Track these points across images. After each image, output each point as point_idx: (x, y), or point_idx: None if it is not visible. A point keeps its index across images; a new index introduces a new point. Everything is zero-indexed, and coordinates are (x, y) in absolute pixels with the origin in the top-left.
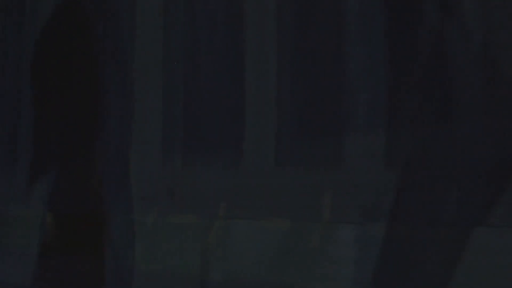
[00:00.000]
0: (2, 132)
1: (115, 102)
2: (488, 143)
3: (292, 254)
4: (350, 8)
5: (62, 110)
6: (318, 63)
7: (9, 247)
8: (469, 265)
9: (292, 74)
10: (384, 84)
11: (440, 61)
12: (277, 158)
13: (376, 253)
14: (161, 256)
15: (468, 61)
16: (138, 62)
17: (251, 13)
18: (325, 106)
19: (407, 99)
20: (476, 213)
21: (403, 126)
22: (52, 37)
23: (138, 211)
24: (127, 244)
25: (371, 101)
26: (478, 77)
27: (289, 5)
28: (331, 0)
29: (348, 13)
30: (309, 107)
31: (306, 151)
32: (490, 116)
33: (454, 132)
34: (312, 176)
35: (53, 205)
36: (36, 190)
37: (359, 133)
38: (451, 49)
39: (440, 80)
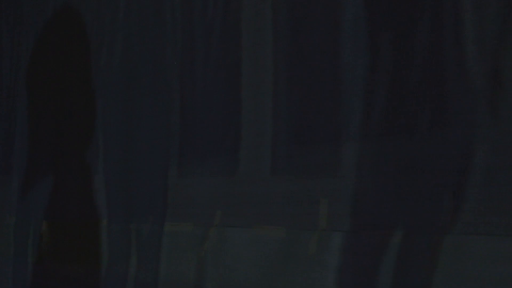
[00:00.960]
0: None
1: (112, 111)
2: (484, 151)
3: (288, 262)
4: (345, 17)
5: (58, 118)
6: (314, 71)
7: (5, 255)
8: (461, 273)
9: (288, 83)
10: (380, 91)
11: (435, 69)
12: (272, 166)
13: (371, 261)
14: (156, 264)
15: (463, 70)
16: (134, 72)
17: (247, 22)
18: (320, 114)
19: (402, 106)
20: (470, 221)
21: (398, 134)
22: (47, 46)
23: (134, 219)
24: (122, 252)
25: (366, 109)
26: (473, 86)
27: (285, 14)
28: (327, 8)
29: (343, 22)
30: (304, 115)
31: (301, 159)
32: (486, 123)
33: (448, 140)
34: (308, 184)
35: (48, 213)
36: (32, 198)
37: (354, 141)
38: (446, 57)
39: (435, 88)
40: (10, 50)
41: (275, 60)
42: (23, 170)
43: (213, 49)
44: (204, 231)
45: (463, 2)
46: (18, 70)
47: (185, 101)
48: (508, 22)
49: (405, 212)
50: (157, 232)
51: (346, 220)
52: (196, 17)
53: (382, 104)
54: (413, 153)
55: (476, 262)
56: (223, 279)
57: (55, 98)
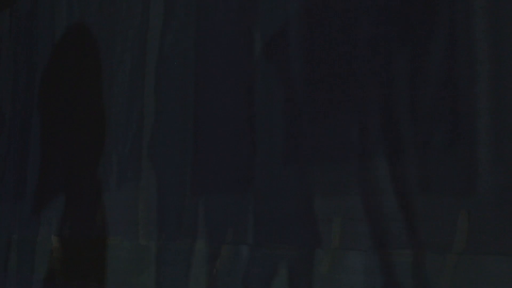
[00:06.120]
0: (11, 158)
1: (124, 129)
2: (497, 170)
3: (301, 280)
4: (361, 36)
5: (69, 138)
6: (327, 89)
7: (16, 271)
8: None
9: (301, 102)
10: (394, 110)
11: (448, 90)
12: (285, 184)
13: (384, 280)
14: (168, 282)
15: (475, 91)
16: (150, 90)
17: (263, 43)
18: (333, 132)
19: (416, 125)
20: (487, 241)
21: (411, 153)
22: (60, 66)
23: (145, 235)
24: (133, 269)
25: (380, 127)
26: (486, 106)
27: (299, 39)
28: (342, 29)
29: (359, 41)
30: (317, 133)
31: (314, 177)
32: (499, 142)
33: (462, 159)
34: (321, 203)
35: (59, 230)
36: (43, 215)
37: (367, 160)
38: (459, 79)
39: (449, 107)
40: (25, 71)
41: (288, 79)
42: (36, 188)
43: (228, 68)
44: (216, 249)
45: (478, 22)
46: (33, 90)
47: (199, 118)
48: None
49: (419, 231)
50: (168, 249)
51: (359, 239)
52: (211, 36)
53: (396, 122)
54: (426, 172)
55: (489, 282)
56: None
57: (68, 117)
